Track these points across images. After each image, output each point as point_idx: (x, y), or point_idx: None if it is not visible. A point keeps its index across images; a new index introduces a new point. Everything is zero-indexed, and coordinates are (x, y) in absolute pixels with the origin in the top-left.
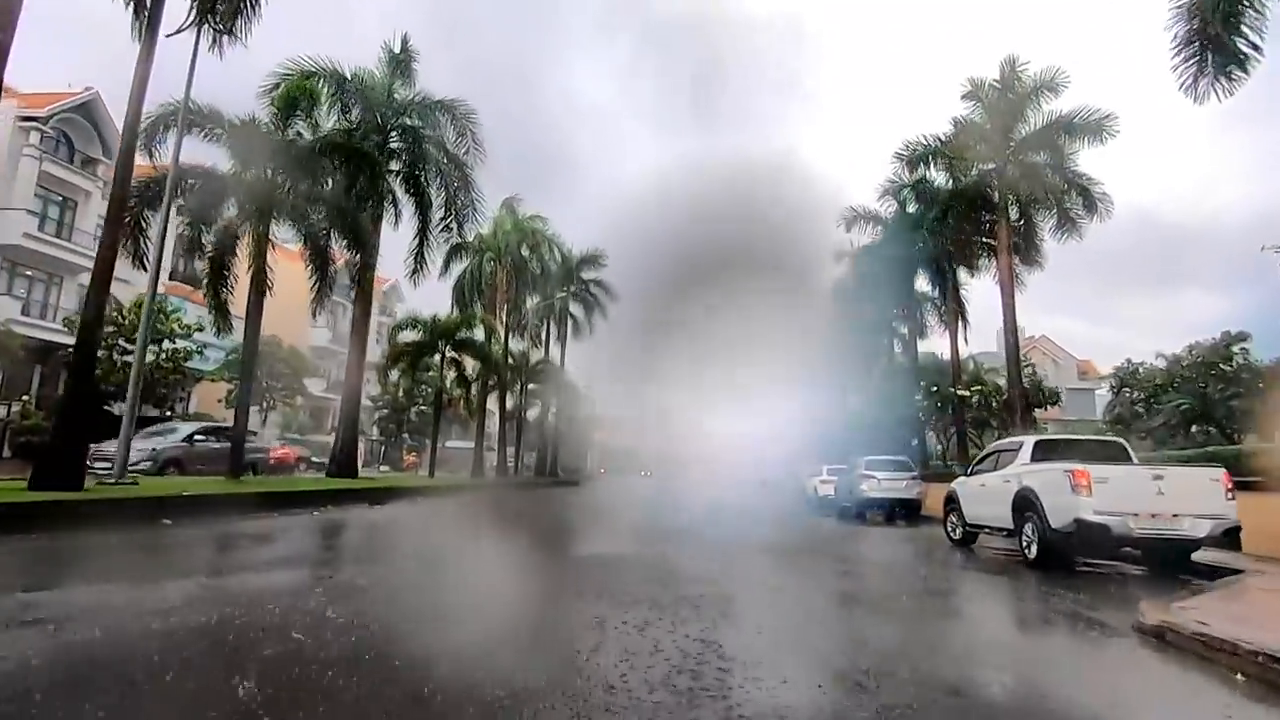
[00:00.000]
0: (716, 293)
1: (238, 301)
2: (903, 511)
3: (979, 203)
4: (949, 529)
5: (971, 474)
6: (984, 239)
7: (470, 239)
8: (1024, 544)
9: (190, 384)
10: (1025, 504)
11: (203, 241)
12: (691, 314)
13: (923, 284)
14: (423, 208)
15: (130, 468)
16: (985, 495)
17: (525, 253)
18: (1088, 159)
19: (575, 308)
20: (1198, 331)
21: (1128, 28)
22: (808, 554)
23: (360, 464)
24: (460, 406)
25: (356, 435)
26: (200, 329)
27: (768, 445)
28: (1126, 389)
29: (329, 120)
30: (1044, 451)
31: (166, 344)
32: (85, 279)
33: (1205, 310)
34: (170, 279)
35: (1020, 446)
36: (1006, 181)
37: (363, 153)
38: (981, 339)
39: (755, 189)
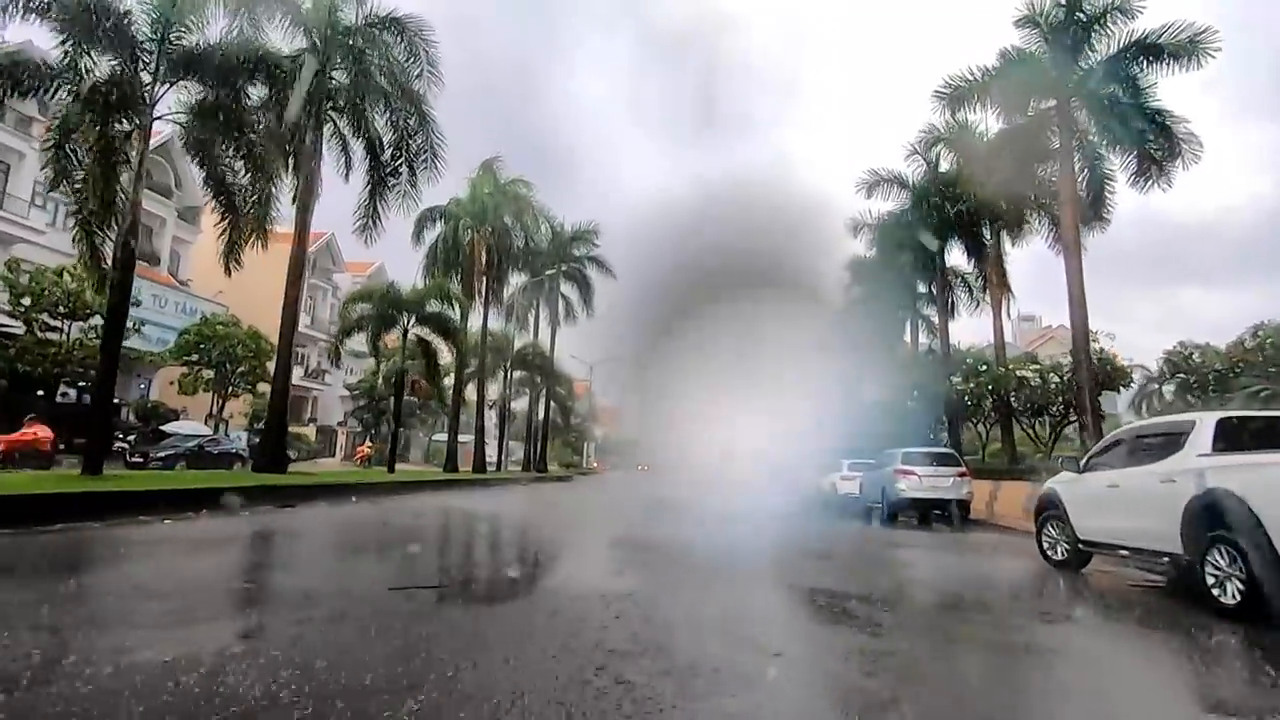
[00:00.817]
0: (720, 284)
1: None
2: (944, 514)
3: (1035, 147)
4: (1045, 545)
5: (1086, 468)
6: (1037, 197)
7: (445, 202)
8: (1209, 580)
9: (145, 368)
10: (1218, 518)
11: (70, 171)
12: (695, 305)
13: (954, 258)
14: (372, 150)
15: None
16: (1120, 501)
17: (508, 220)
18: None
19: (567, 288)
20: (1200, 327)
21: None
22: (861, 596)
23: (339, 457)
24: (434, 392)
25: (285, 424)
26: (137, 303)
27: (776, 439)
28: (1181, 375)
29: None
30: (1233, 435)
31: (96, 321)
32: (18, 250)
33: (1207, 307)
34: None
35: (1190, 428)
36: (1071, 120)
37: (262, 55)
38: (985, 331)
39: (759, 179)
